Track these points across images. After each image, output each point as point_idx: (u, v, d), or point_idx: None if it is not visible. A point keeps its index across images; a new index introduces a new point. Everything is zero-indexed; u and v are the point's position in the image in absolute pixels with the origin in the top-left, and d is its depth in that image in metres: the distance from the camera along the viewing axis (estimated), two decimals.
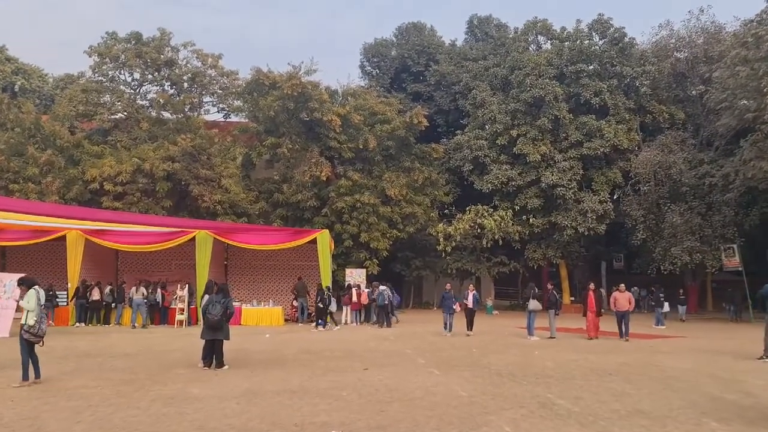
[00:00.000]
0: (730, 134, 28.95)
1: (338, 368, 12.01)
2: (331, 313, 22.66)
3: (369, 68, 43.79)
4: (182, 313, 23.20)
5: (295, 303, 26.30)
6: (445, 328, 19.56)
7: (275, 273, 28.65)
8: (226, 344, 12.21)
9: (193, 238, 24.50)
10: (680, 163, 29.08)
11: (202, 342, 12.00)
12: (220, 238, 24.71)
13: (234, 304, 25.51)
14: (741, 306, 29.78)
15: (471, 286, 21.11)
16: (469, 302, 19.86)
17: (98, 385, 9.85)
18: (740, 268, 30.19)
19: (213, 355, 11.91)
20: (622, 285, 19.48)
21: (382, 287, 23.72)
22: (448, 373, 11.46)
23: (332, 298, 22.84)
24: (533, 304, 19.07)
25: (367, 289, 25.44)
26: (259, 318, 24.48)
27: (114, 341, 17.11)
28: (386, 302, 23.33)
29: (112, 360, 12.98)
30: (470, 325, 19.73)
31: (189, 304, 23.94)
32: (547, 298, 20.21)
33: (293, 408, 8.29)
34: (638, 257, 35.09)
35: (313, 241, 24.99)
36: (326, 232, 25.28)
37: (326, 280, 24.63)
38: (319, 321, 22.01)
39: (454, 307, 19.73)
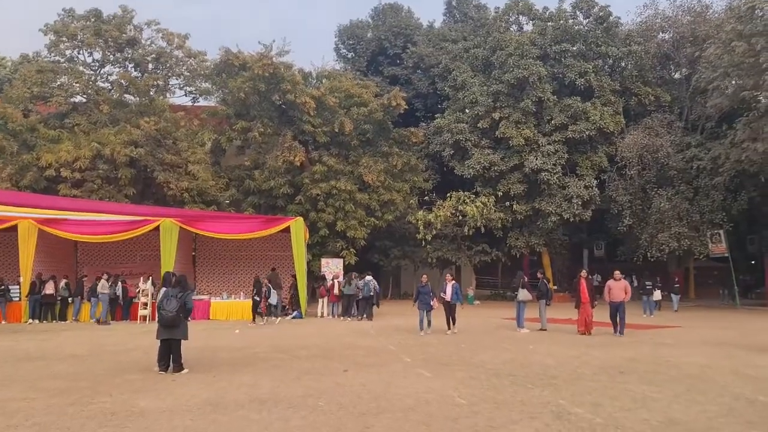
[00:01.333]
0: (718, 116, 28.06)
1: (314, 370, 10.59)
2: (270, 306, 20.93)
3: (344, 51, 42.17)
4: (145, 308, 21.54)
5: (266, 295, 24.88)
6: (421, 327, 16.42)
7: (247, 264, 27.13)
8: (185, 344, 10.70)
9: (158, 228, 22.85)
10: (667, 146, 28.12)
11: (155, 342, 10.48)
12: (186, 227, 23.08)
13: (202, 297, 24.32)
14: (732, 292, 29.15)
15: (449, 276, 17.53)
16: (448, 295, 16.76)
17: (27, 397, 8.28)
18: (727, 255, 29.45)
19: (170, 356, 10.40)
20: (617, 272, 16.70)
21: (368, 277, 22.40)
22: (439, 374, 10.11)
23: (272, 290, 21.16)
24: (523, 294, 17.82)
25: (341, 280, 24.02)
26: (230, 312, 22.99)
27: (64, 340, 15.44)
28: (371, 293, 22.03)
29: (55, 364, 11.37)
30: (451, 321, 16.84)
31: (153, 298, 22.32)
32: (537, 287, 18.79)
33: (260, 424, 6.85)
34: (622, 244, 34.17)
35: (287, 230, 23.52)
36: (300, 219, 23.79)
37: (301, 271, 23.21)
38: (261, 313, 20.69)
39: (432, 302, 16.47)
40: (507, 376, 9.82)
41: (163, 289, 10.81)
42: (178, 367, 10.29)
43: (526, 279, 18.39)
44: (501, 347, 13.66)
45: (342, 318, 22.41)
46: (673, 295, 26.39)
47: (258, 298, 20.58)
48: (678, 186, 28.46)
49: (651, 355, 12.32)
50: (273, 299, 21.01)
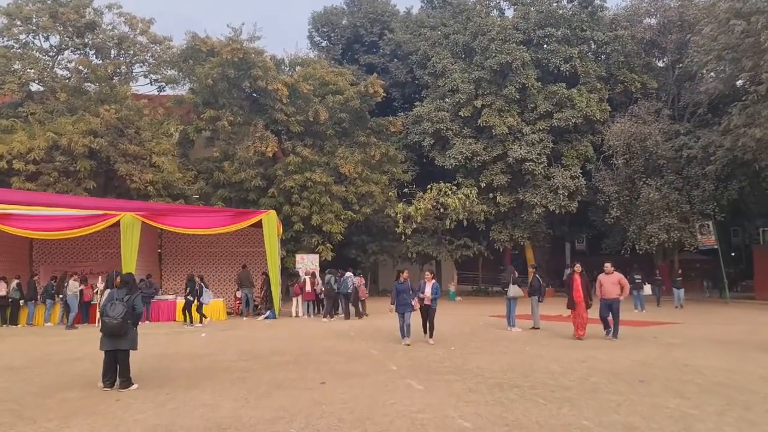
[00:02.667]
0: (708, 103, 27.13)
1: (287, 382, 9.13)
2: (200, 306, 19.34)
3: (318, 39, 40.58)
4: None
5: (238, 294, 23.35)
6: (404, 334, 13.36)
7: (217, 261, 25.58)
8: (137, 353, 9.17)
9: (118, 223, 21.12)
10: (656, 134, 27.08)
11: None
12: (149, 222, 21.35)
13: (168, 297, 22.63)
14: (720, 285, 28.33)
15: (428, 273, 13.91)
16: (427, 296, 13.47)
17: None
18: (716, 246, 28.59)
19: (117, 370, 8.85)
20: (608, 264, 14.34)
21: (348, 273, 21.04)
22: (431, 386, 8.71)
23: (205, 288, 19.55)
24: (514, 291, 16.50)
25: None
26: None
27: (5, 349, 13.73)
28: (349, 290, 20.63)
29: None
30: (429, 328, 13.65)
31: (198, 296, 20.64)
32: (529, 282, 17.43)
33: None
34: (607, 237, 33.18)
35: (258, 224, 21.95)
36: (273, 213, 22.20)
37: (274, 268, 21.67)
38: (190, 320, 19.14)
39: (413, 302, 13.39)
40: (511, 387, 8.46)
41: (108, 291, 9.25)
42: (125, 383, 8.74)
43: (516, 274, 17.10)
44: (496, 350, 12.32)
45: (327, 318, 20.82)
46: (675, 290, 24.09)
47: (191, 298, 19.00)
48: (667, 176, 27.46)
49: (663, 358, 11.07)
50: (206, 299, 19.41)
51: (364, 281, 22.13)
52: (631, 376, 9.20)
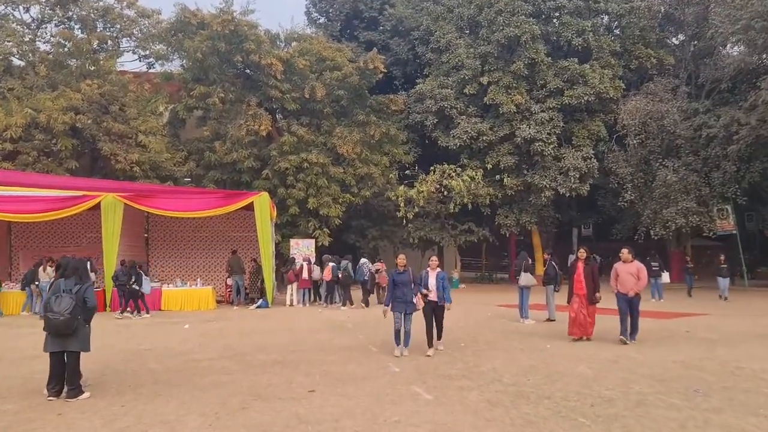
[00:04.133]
0: (729, 79, 25.50)
1: (270, 389, 7.66)
2: (142, 296, 17.83)
3: (315, 15, 38.68)
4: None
5: (229, 281, 21.89)
6: (398, 341, 10.13)
7: (207, 246, 24.09)
8: (103, 351, 7.71)
9: (99, 205, 19.64)
10: (674, 112, 25.45)
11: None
12: (132, 204, 19.85)
13: (153, 285, 21.14)
14: (739, 271, 26.89)
15: (433, 260, 10.79)
16: (432, 291, 10.19)
17: None
18: (734, 231, 27.12)
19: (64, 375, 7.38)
20: (625, 250, 11.49)
21: (363, 260, 20.02)
22: (442, 394, 7.25)
23: (144, 277, 18.07)
24: (526, 279, 15.04)
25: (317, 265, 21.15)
26: (185, 301, 19.98)
27: None
28: (366, 278, 19.35)
29: None
30: (438, 331, 10.43)
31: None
32: (545, 270, 15.84)
33: None
34: (618, 222, 31.64)
35: (251, 207, 20.45)
36: (265, 194, 20.70)
37: (266, 253, 20.22)
38: (128, 309, 17.56)
39: (414, 299, 10.04)
40: (540, 398, 6.98)
41: (59, 281, 7.74)
42: (74, 391, 7.26)
43: (530, 261, 15.63)
44: (511, 347, 10.85)
45: (346, 306, 19.42)
46: (720, 279, 21.50)
47: (137, 287, 17.50)
48: (685, 156, 25.84)
49: (708, 358, 9.59)
50: (146, 287, 17.88)
51: (385, 267, 20.45)
52: (679, 383, 7.73)
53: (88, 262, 18.64)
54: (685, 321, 14.89)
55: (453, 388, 7.62)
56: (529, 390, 7.41)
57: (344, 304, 19.53)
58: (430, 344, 10.18)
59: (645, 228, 26.72)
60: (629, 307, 11.26)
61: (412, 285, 10.02)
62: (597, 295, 11.53)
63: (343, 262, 19.98)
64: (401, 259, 10.27)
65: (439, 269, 10.50)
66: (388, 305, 10.15)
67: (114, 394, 7.43)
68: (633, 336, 11.26)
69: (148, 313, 17.75)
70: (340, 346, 11.12)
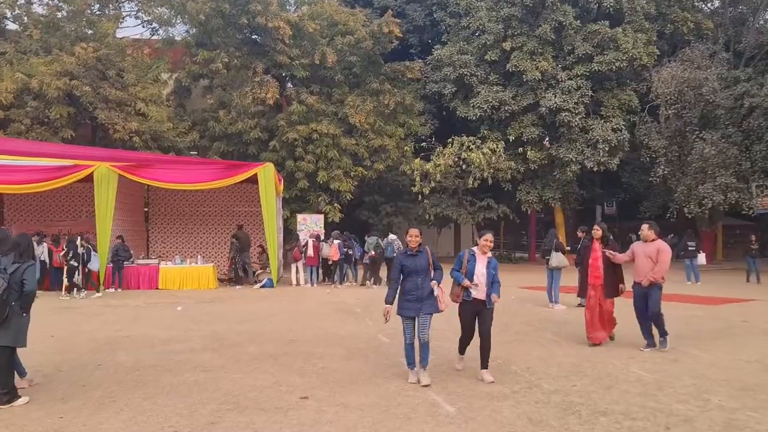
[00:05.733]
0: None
1: (253, 394, 6.17)
2: (89, 273, 16.39)
3: None
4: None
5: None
6: (411, 361, 6.75)
7: (210, 222, 22.81)
8: (71, 339, 6.26)
9: (92, 175, 18.22)
10: (713, 80, 23.44)
11: (61, 329, 5.96)
12: (126, 175, 18.38)
13: (150, 262, 19.78)
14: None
15: (487, 238, 6.99)
16: (480, 285, 6.78)
17: None
18: None
19: None
20: (645, 225, 8.69)
21: (392, 236, 18.59)
22: (469, 407, 5.71)
23: (93, 253, 16.56)
24: (557, 259, 13.40)
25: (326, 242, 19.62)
26: (184, 280, 18.55)
27: None
28: (395, 254, 17.91)
29: None
30: (482, 350, 6.80)
31: (84, 262, 17.86)
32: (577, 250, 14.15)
33: None
34: (647, 199, 29.79)
35: (255, 180, 18.93)
36: (270, 165, 19.14)
37: (271, 229, 18.73)
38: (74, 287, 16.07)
39: (436, 296, 6.58)
40: (595, 413, 5.41)
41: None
42: (6, 396, 5.80)
43: (559, 240, 13.98)
44: (545, 340, 9.29)
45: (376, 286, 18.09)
46: (749, 260, 19.57)
47: (75, 263, 16.05)
48: (725, 128, 23.87)
49: None
50: (94, 264, 16.38)
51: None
52: (762, 391, 6.12)
53: (80, 238, 17.55)
54: (736, 308, 13.21)
55: (481, 397, 6.07)
56: (577, 400, 5.85)
57: (376, 282, 18.52)
58: (460, 354, 7.18)
59: (678, 205, 24.89)
60: (644, 300, 8.39)
61: (432, 272, 6.63)
62: (621, 286, 8.81)
63: (372, 239, 18.96)
64: (414, 234, 6.64)
65: (490, 254, 6.95)
66: (391, 303, 6.53)
67: (58, 400, 5.98)
68: (664, 343, 8.37)
69: (98, 291, 16.28)
70: (346, 336, 9.62)
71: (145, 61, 25.47)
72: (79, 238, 16.89)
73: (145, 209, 23.57)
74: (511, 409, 5.62)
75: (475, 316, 6.83)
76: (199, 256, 19.92)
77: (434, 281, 6.58)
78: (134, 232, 21.90)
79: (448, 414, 5.50)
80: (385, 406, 5.72)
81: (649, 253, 8.40)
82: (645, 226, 8.69)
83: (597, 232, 9.23)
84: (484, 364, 6.75)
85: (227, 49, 25.15)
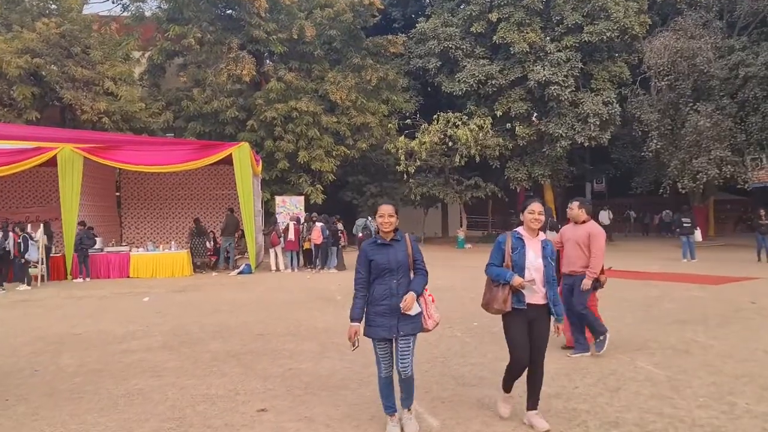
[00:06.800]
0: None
1: (202, 406, 5.27)
2: (26, 265, 15.24)
3: None
4: (36, 266, 15.96)
5: (208, 244, 19.51)
6: (391, 403, 4.54)
7: (186, 206, 21.87)
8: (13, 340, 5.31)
9: (56, 158, 17.21)
10: (707, 49, 22.57)
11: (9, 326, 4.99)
12: (92, 157, 17.38)
13: (121, 249, 18.75)
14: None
15: (534, 210, 4.60)
16: (535, 281, 4.52)
17: None
18: None
19: None
20: (575, 203, 6.97)
21: (360, 221, 18.95)
22: (457, 417, 4.85)
23: (31, 242, 15.35)
24: (551, 238, 12.55)
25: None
26: (156, 268, 17.58)
27: None
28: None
29: None
30: (534, 380, 4.70)
31: (49, 251, 16.92)
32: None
33: None
34: (638, 175, 29.04)
35: (231, 161, 17.96)
36: (245, 145, 18.15)
37: (248, 212, 17.81)
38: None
39: (414, 311, 4.34)
40: (604, 424, 4.56)
41: None
42: None
43: (554, 219, 13.14)
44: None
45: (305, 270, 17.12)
46: (760, 237, 17.75)
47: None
48: (719, 100, 23.05)
49: None
50: (32, 254, 15.29)
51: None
52: None
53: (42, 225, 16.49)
54: (739, 288, 12.46)
55: (469, 405, 5.22)
56: (582, 407, 5.00)
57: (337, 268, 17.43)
58: (507, 389, 4.84)
59: (671, 180, 24.13)
60: (571, 293, 6.83)
61: (411, 271, 4.50)
62: (602, 277, 6.83)
63: (361, 220, 18.62)
64: (386, 213, 4.45)
65: (543, 234, 4.78)
66: (358, 319, 4.39)
67: None
68: (599, 345, 6.83)
69: (28, 284, 15.12)
70: (321, 329, 8.74)
71: (113, 37, 24.17)
72: (12, 225, 15.81)
73: (117, 193, 22.56)
74: (506, 421, 4.77)
75: (530, 327, 4.57)
76: (173, 242, 18.93)
77: (411, 292, 4.32)
78: (106, 218, 20.88)
79: (431, 427, 4.63)
80: (357, 420, 4.85)
81: (578, 239, 6.79)
82: (574, 204, 6.92)
83: (575, 205, 6.99)
84: (533, 403, 4.65)
85: (200, 24, 23.95)
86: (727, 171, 22.39)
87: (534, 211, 4.57)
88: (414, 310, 4.31)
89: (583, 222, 6.87)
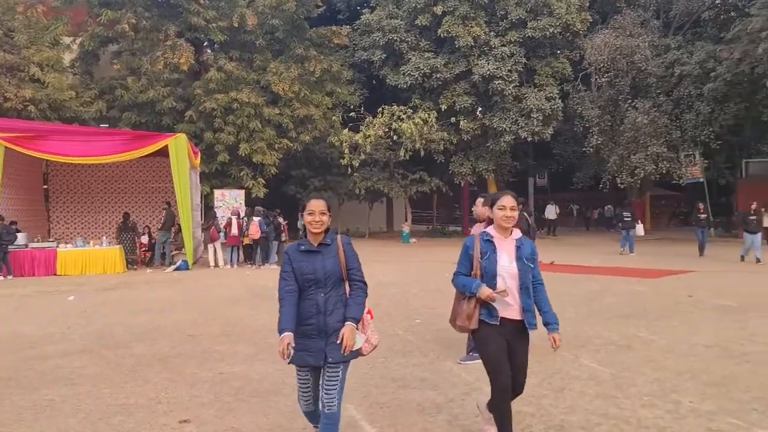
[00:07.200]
0: (705, 10, 23.19)
1: (119, 417, 4.80)
2: None
3: None
4: None
5: (143, 240, 18.70)
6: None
7: (120, 200, 20.88)
8: None
9: None
10: (645, 47, 23.05)
11: None
12: (14, 147, 16.27)
13: (47, 245, 17.66)
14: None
15: (503, 205, 3.88)
16: (507, 290, 3.77)
17: None
18: (701, 179, 25.34)
19: None
20: (480, 199, 6.25)
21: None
22: (395, 423, 4.56)
23: None
24: None
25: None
26: (86, 264, 16.64)
27: None
28: None
29: None
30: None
31: None
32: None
33: None
34: (579, 170, 29.57)
35: (166, 152, 17.19)
36: (182, 136, 17.39)
37: (185, 206, 17.10)
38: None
39: (358, 328, 3.59)
40: (555, 427, 4.34)
41: None
42: None
43: None
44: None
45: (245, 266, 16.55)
46: (752, 237, 15.89)
47: None
48: (656, 97, 23.59)
49: (746, 338, 7.21)
50: None
51: None
52: (738, 386, 5.25)
53: None
54: (678, 280, 12.68)
55: (409, 410, 4.94)
56: (526, 410, 4.78)
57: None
58: (495, 409, 3.97)
59: (611, 176, 24.61)
60: None
61: (345, 282, 3.71)
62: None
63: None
64: (317, 209, 3.64)
65: (518, 233, 4.01)
66: (290, 328, 3.48)
67: None
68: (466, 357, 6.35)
69: None
70: (258, 328, 8.32)
71: (40, 21, 22.85)
72: None
73: (45, 186, 21.35)
74: (446, 425, 4.50)
75: (508, 348, 3.82)
76: (104, 238, 18.00)
77: (349, 323, 3.49)
78: (31, 212, 19.71)
79: None
80: (288, 430, 4.49)
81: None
82: (479, 201, 6.24)
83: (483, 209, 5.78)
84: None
85: (135, 10, 22.88)
86: (663, 167, 22.97)
87: (505, 207, 3.85)
88: (358, 344, 3.52)
89: (485, 221, 6.35)
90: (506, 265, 3.81)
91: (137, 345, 7.44)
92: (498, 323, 3.77)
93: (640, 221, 19.59)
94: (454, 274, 3.99)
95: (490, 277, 3.80)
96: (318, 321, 3.51)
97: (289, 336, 3.41)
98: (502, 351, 3.77)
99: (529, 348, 3.92)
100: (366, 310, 3.68)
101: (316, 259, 3.57)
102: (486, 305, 3.79)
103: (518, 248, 3.86)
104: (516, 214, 3.86)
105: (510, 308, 3.78)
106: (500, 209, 3.86)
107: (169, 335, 7.98)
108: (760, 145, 28.15)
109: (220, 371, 6.14)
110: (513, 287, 3.77)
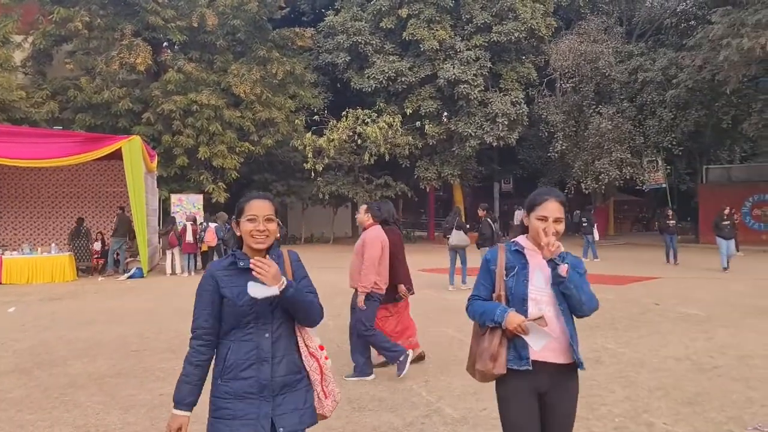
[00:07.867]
0: (667, 17, 23.41)
1: None
2: None
3: None
4: None
5: (96, 246, 17.94)
6: None
7: (72, 205, 20.03)
8: None
9: None
10: (609, 53, 23.15)
11: None
12: None
13: None
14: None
15: (545, 208, 2.74)
16: (544, 318, 2.57)
17: None
18: (664, 185, 25.57)
19: None
20: (363, 206, 6.30)
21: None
22: None
23: None
24: (458, 238, 12.25)
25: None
26: (33, 273, 15.83)
27: None
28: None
29: None
30: None
31: None
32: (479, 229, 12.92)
33: None
34: (544, 175, 29.61)
35: (120, 155, 16.47)
36: (137, 139, 16.70)
37: (140, 210, 16.41)
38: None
39: (319, 389, 2.55)
40: None
41: None
42: None
43: (461, 218, 12.76)
44: (447, 337, 7.93)
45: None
46: (726, 242, 15.25)
47: None
48: (620, 103, 23.72)
49: (716, 349, 6.99)
50: None
51: None
52: (713, 404, 4.97)
53: None
54: (643, 288, 12.53)
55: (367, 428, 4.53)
56: (484, 427, 4.41)
57: None
58: None
59: (575, 181, 24.62)
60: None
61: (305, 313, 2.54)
62: (401, 288, 6.26)
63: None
64: (259, 217, 2.44)
65: (562, 246, 2.72)
66: (189, 406, 2.40)
67: None
68: (399, 369, 5.93)
69: None
70: None
71: None
72: None
73: None
74: None
75: (540, 407, 2.70)
76: (53, 244, 17.17)
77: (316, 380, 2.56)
78: None
79: None
80: None
81: (357, 247, 6.00)
82: (362, 208, 6.13)
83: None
84: None
85: (89, 7, 22.09)
86: (626, 172, 23.09)
87: (547, 218, 2.73)
88: (267, 291, 2.32)
89: (368, 227, 5.98)
90: (542, 287, 2.71)
91: (74, 363, 6.87)
92: (530, 368, 2.63)
93: (595, 226, 19.40)
94: (468, 300, 2.88)
95: (518, 301, 2.70)
96: (260, 373, 2.37)
97: (184, 417, 2.37)
98: (531, 418, 2.65)
99: (577, 400, 2.77)
100: (324, 352, 2.60)
101: (258, 285, 2.33)
102: (514, 341, 2.65)
103: (559, 264, 2.65)
104: (562, 228, 2.75)
105: (547, 344, 2.59)
106: (540, 220, 2.74)
107: (111, 351, 7.41)
108: (719, 152, 28.61)
109: (160, 392, 5.63)
110: (550, 316, 2.64)
